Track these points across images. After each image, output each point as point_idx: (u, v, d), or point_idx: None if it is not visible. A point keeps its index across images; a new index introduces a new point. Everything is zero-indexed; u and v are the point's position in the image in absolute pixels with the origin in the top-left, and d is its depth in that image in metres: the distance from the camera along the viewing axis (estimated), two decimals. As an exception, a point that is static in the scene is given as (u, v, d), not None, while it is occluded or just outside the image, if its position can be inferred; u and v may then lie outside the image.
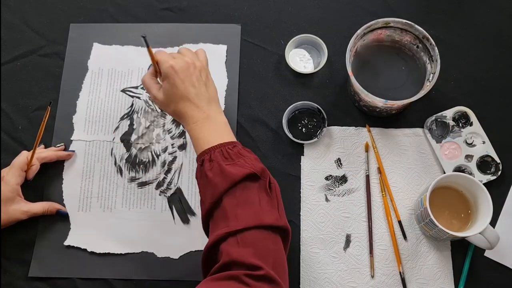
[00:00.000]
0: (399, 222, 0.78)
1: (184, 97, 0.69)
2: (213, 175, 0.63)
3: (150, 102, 0.86)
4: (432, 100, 0.84)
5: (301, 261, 0.77)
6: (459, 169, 0.80)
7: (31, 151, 0.78)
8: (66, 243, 0.79)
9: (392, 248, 0.77)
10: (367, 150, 0.82)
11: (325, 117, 0.81)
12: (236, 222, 0.59)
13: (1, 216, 0.74)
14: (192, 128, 0.68)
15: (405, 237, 0.78)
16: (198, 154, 0.67)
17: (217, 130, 0.69)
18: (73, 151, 0.83)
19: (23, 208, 0.77)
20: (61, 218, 0.80)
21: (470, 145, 0.81)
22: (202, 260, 0.61)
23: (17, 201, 0.77)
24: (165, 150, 0.84)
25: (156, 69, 0.73)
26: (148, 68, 0.75)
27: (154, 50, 0.71)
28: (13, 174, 0.77)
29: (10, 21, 0.92)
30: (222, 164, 0.63)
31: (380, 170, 0.81)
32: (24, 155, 0.78)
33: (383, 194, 0.80)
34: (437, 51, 0.75)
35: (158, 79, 0.74)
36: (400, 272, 0.76)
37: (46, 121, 0.77)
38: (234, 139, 0.69)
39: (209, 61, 0.87)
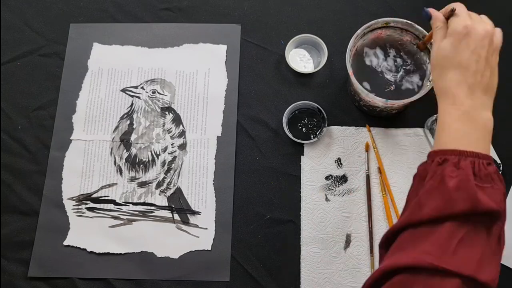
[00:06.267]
0: None
1: (458, 69, 0.56)
2: (456, 188, 0.49)
3: (150, 102, 0.86)
4: (432, 100, 0.83)
5: (301, 260, 0.77)
6: (459, 169, 0.79)
7: None
8: (65, 243, 0.79)
9: (392, 248, 0.77)
10: (367, 150, 0.82)
11: (325, 116, 0.81)
12: (451, 260, 0.47)
13: None
14: (446, 111, 0.55)
15: None
16: (437, 149, 0.54)
17: (477, 132, 0.54)
18: None
19: None
20: (61, 218, 0.80)
21: (470, 145, 0.81)
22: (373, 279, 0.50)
23: None
24: (165, 149, 0.84)
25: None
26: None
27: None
28: None
29: (10, 21, 0.92)
30: (472, 181, 0.49)
31: (380, 170, 0.81)
32: None
33: (383, 194, 0.79)
34: (437, 50, 0.75)
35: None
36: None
37: None
38: (490, 152, 0.54)
39: (209, 61, 0.88)
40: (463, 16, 0.57)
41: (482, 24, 0.57)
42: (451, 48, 0.57)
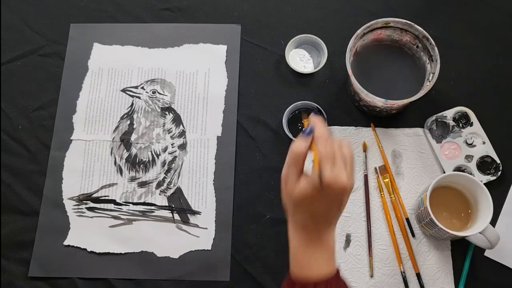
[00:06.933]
0: (407, 219, 0.78)
1: (310, 215, 0.56)
2: None
3: (150, 102, 0.86)
4: (432, 100, 0.84)
5: (301, 261, 0.77)
6: (459, 169, 0.80)
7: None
8: (65, 242, 0.79)
9: (392, 247, 0.77)
10: (364, 150, 0.82)
11: (325, 116, 0.82)
12: None
13: None
14: (296, 239, 0.57)
15: (413, 234, 0.78)
16: (300, 276, 0.56)
17: (329, 256, 0.57)
18: None
19: None
20: (61, 218, 0.80)
21: (470, 145, 0.81)
22: None
23: None
24: (165, 149, 0.84)
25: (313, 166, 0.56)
26: (306, 132, 0.56)
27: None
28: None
29: (10, 21, 0.92)
30: None
31: (379, 170, 0.81)
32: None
33: (381, 194, 0.80)
34: (437, 51, 0.75)
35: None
36: (401, 272, 0.76)
37: None
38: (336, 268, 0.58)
39: (209, 61, 0.89)
40: (325, 166, 0.53)
41: (342, 176, 0.53)
42: (308, 197, 0.54)
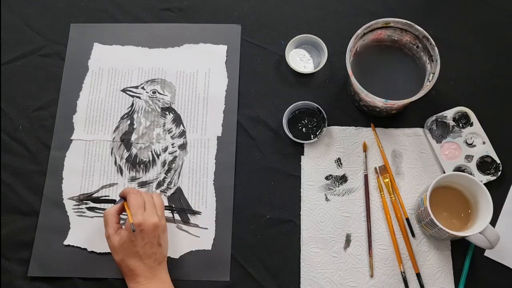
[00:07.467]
0: (407, 219, 0.78)
1: (138, 256, 0.68)
2: None
3: (150, 102, 0.86)
4: (432, 100, 0.84)
5: (301, 260, 0.77)
6: (459, 169, 0.80)
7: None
8: (65, 242, 0.79)
9: (392, 247, 0.77)
10: (365, 150, 0.82)
11: (325, 116, 0.82)
12: None
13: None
14: (136, 287, 0.69)
15: (413, 234, 0.78)
16: None
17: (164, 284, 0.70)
18: None
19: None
20: (61, 217, 0.80)
21: (470, 145, 0.81)
22: None
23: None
24: (165, 149, 0.84)
25: (122, 210, 0.73)
26: (117, 202, 0.74)
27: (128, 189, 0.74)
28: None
29: (11, 21, 0.92)
30: None
31: (379, 170, 0.81)
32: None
33: (381, 194, 0.80)
34: (437, 51, 0.75)
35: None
36: (401, 272, 0.76)
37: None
38: None
39: (210, 61, 0.89)
40: (136, 211, 0.69)
41: (151, 217, 0.70)
42: (129, 241, 0.68)
